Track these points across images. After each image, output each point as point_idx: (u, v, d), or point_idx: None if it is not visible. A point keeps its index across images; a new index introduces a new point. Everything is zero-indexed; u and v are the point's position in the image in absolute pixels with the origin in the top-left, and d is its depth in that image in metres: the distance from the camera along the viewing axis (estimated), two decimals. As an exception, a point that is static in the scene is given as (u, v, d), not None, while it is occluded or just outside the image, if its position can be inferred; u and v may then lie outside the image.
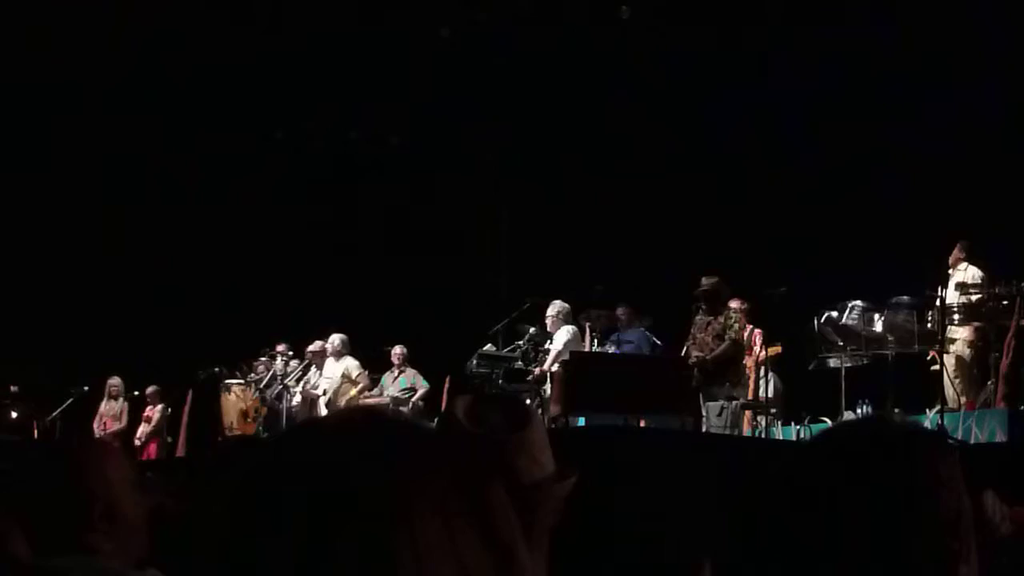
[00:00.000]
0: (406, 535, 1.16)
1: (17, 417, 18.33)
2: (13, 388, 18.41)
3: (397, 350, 16.66)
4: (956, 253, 13.13)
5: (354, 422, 1.27)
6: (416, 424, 1.29)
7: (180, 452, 17.67)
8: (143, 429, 18.44)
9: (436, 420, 3.15)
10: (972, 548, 2.05)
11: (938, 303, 12.57)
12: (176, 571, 3.12)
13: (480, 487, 1.24)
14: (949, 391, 12.83)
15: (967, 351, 13.04)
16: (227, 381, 17.52)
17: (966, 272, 13.01)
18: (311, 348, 16.93)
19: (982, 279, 12.87)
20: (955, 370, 12.99)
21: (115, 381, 18.57)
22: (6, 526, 3.02)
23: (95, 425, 18.37)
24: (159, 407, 18.52)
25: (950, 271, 13.00)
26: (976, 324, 12.91)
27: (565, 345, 14.02)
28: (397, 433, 1.25)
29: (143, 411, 18.63)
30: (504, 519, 1.23)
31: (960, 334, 13.01)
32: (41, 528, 3.06)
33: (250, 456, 1.25)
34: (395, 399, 16.22)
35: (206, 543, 1.22)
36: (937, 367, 12.73)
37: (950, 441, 2.11)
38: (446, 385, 15.92)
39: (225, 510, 1.22)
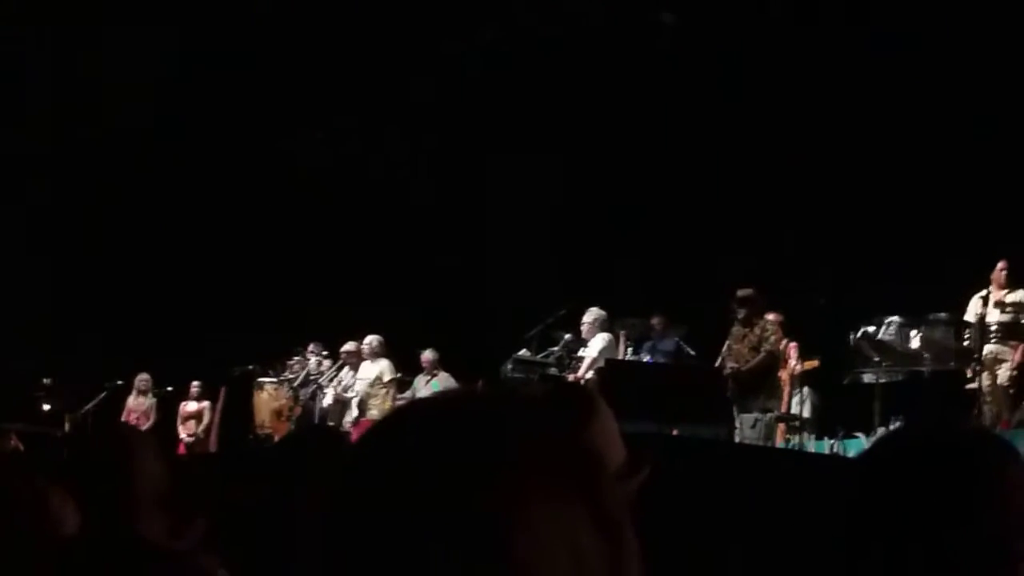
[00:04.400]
0: (522, 515, 1.14)
1: (49, 410, 18.38)
2: (46, 381, 18.48)
3: (427, 355, 16.60)
4: (1001, 272, 13.01)
5: (462, 401, 1.25)
6: (524, 402, 1.27)
7: (212, 448, 17.70)
8: (192, 426, 18.41)
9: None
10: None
11: (975, 320, 12.56)
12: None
13: (590, 465, 1.22)
14: (985, 409, 12.77)
15: (1006, 370, 12.94)
16: (260, 379, 17.53)
17: (1012, 292, 12.92)
18: (345, 348, 16.90)
19: None
20: (992, 388, 12.90)
21: (144, 377, 18.54)
22: (60, 500, 3.03)
23: (122, 420, 18.40)
24: (206, 403, 18.51)
25: (991, 289, 12.91)
26: (1015, 343, 12.83)
27: (600, 352, 14.00)
28: (508, 412, 1.23)
29: (181, 406, 18.63)
30: (614, 498, 1.21)
31: (1004, 353, 12.90)
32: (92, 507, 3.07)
33: (358, 443, 1.24)
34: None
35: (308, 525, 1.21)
36: (974, 385, 12.67)
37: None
38: (479, 389, 15.86)
39: (338, 495, 1.21)
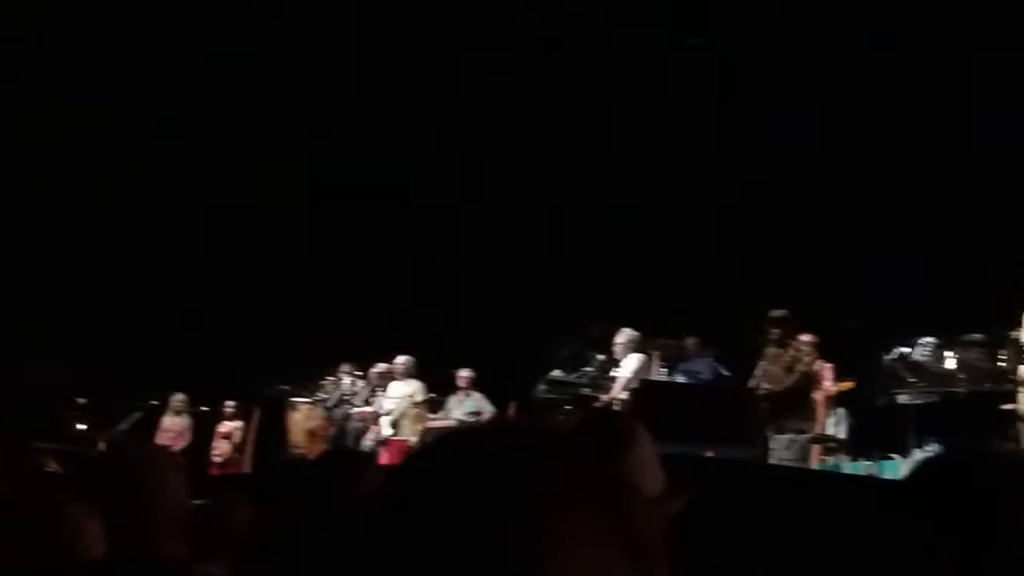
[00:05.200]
0: (553, 548, 1.13)
1: (84, 430, 18.41)
2: (81, 400, 18.52)
3: (464, 373, 16.60)
4: None
5: (495, 434, 1.24)
6: (557, 432, 1.25)
7: (245, 469, 17.72)
8: (223, 446, 18.41)
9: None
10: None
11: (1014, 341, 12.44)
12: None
13: (622, 496, 1.21)
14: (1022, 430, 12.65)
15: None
16: (293, 399, 17.55)
17: None
18: (375, 370, 16.92)
19: None
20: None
21: (179, 397, 18.58)
22: (80, 519, 3.01)
23: (157, 441, 18.39)
24: (240, 423, 18.51)
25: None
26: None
27: (635, 373, 13.94)
28: (540, 443, 1.22)
29: (217, 427, 18.63)
30: (646, 528, 1.20)
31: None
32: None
33: (393, 474, 1.23)
34: (460, 423, 16.17)
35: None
36: (1010, 406, 12.55)
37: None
38: (511, 410, 15.85)
39: (353, 543, 1.20)
